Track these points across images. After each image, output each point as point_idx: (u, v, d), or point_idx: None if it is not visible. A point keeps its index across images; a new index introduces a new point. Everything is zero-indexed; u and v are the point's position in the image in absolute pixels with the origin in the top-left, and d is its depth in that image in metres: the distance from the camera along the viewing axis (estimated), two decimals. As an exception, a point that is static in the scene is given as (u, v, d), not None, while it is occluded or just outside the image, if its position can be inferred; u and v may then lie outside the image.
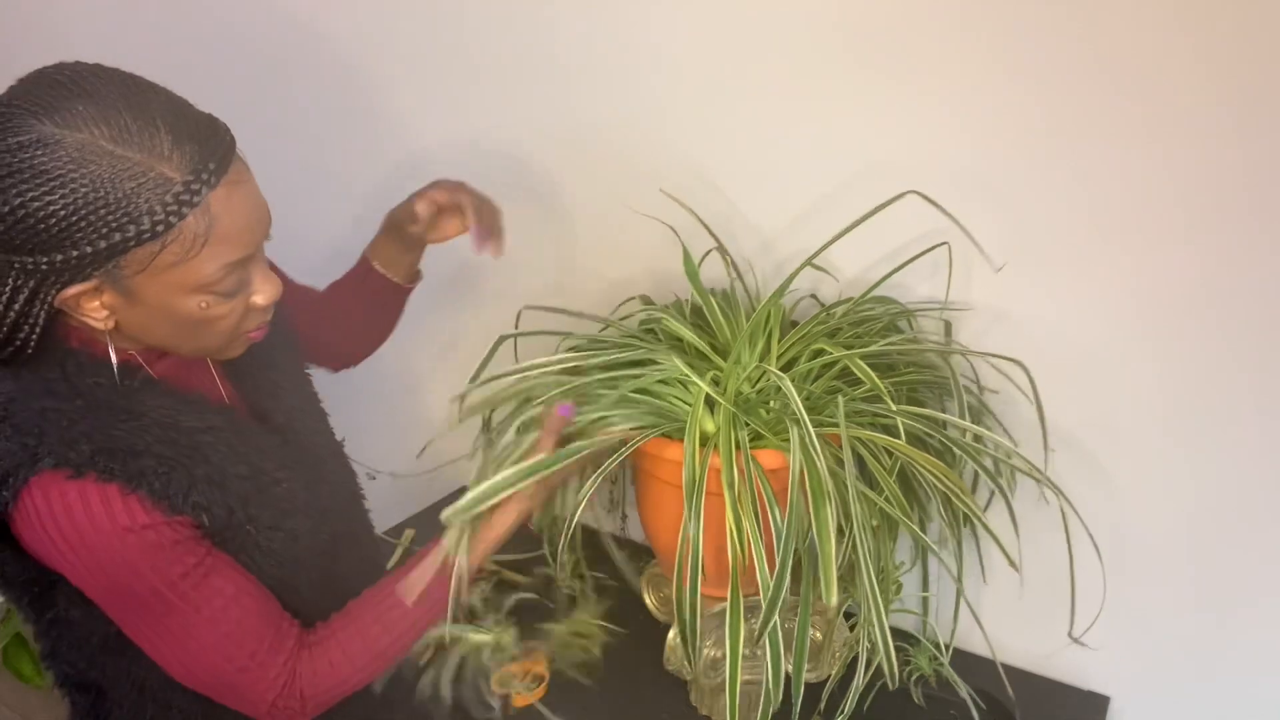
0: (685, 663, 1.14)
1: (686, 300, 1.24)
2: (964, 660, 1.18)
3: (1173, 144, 1.00)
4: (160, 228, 0.75)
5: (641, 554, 1.41)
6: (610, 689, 1.15)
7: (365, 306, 1.19)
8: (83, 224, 0.73)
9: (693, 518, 0.93)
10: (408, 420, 1.75)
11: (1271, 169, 0.96)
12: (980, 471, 1.03)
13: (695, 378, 1.03)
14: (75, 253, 0.74)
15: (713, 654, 1.10)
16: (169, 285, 0.79)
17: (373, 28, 1.45)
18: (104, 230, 0.74)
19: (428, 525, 1.55)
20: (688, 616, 0.91)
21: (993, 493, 1.11)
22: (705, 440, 1.01)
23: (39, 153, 0.72)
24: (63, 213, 0.73)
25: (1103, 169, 1.04)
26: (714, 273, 1.24)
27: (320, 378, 1.15)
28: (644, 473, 1.11)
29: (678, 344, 1.14)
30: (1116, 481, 1.14)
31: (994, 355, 1.09)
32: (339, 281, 1.21)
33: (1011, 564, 1.00)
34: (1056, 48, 1.02)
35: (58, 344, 0.83)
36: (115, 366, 0.84)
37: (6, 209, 0.73)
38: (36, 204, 0.72)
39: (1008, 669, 1.14)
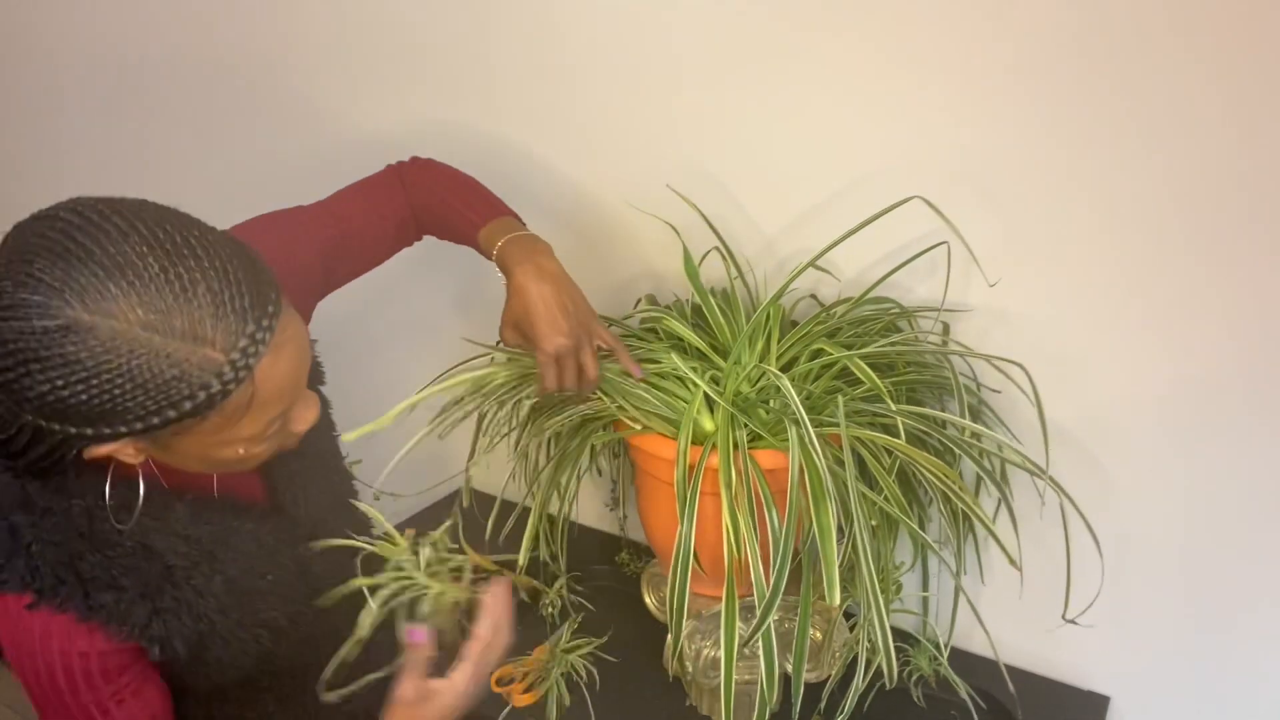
0: (682, 663, 1.14)
1: (687, 300, 1.24)
2: (964, 660, 1.18)
3: (1173, 144, 0.99)
4: (203, 409, 0.70)
5: (642, 553, 1.41)
6: (610, 689, 1.15)
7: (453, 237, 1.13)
8: (118, 409, 0.67)
9: (685, 518, 0.92)
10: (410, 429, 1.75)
11: (1272, 168, 0.96)
12: (980, 471, 1.03)
13: (695, 378, 1.02)
14: (108, 430, 0.69)
15: (712, 654, 1.10)
16: (207, 442, 0.75)
17: (373, 21, 1.45)
18: (141, 414, 0.68)
19: (428, 525, 1.55)
20: (675, 616, 0.91)
21: (998, 501, 1.11)
22: (703, 439, 1.01)
23: (68, 341, 0.65)
24: (95, 403, 0.67)
25: (1103, 169, 1.04)
26: (714, 273, 1.24)
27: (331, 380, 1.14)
28: (643, 472, 1.11)
29: (678, 344, 1.14)
30: (1116, 481, 1.14)
31: (994, 357, 1.09)
32: (449, 208, 1.11)
33: (1012, 562, 0.99)
34: (1058, 48, 1.01)
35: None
36: (100, 480, 0.80)
37: (34, 394, 0.66)
38: (66, 393, 0.66)
39: (1008, 669, 1.14)
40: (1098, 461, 1.14)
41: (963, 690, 1.09)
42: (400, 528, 1.60)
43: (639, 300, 1.33)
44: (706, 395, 1.03)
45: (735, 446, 0.96)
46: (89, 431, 0.69)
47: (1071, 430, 1.14)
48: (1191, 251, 1.02)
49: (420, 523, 1.56)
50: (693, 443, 1.02)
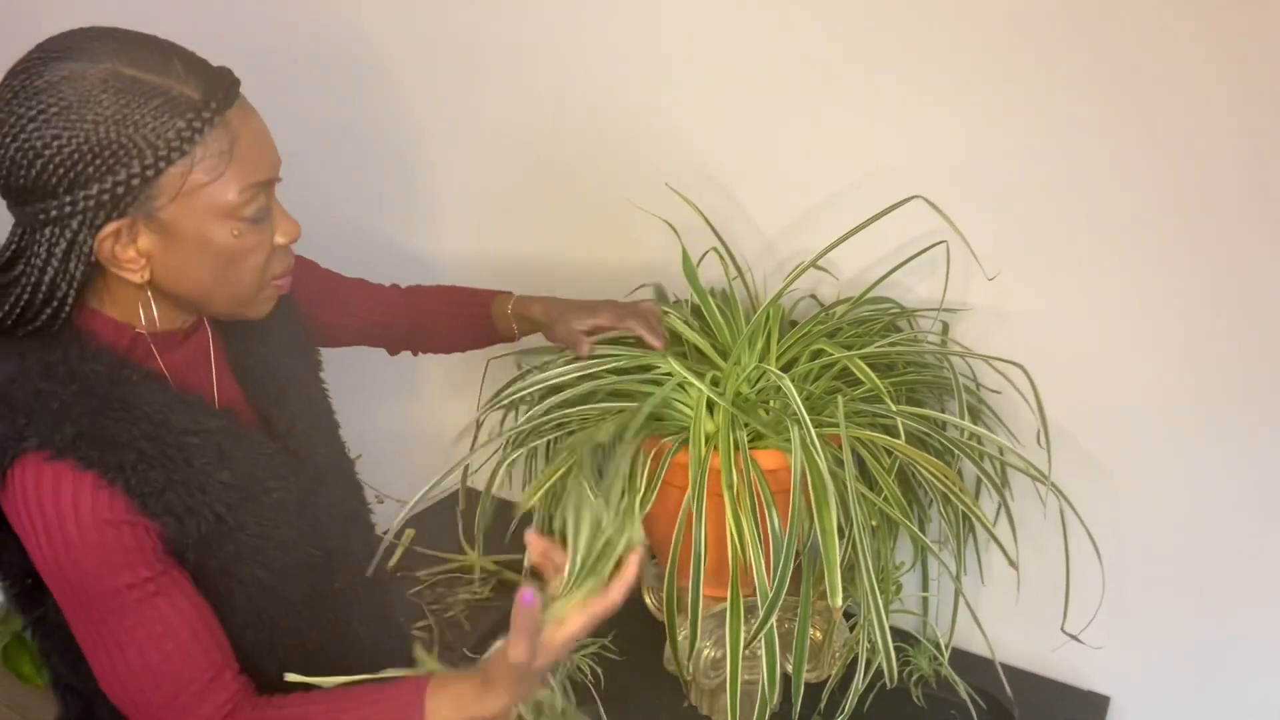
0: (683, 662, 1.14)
1: (685, 300, 1.24)
2: (964, 660, 1.18)
3: (1173, 143, 1.00)
4: (187, 145, 0.78)
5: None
6: (610, 689, 1.15)
7: (460, 330, 1.22)
8: (116, 149, 0.76)
9: (698, 522, 0.92)
10: (414, 432, 1.75)
11: (1272, 168, 0.96)
12: (979, 472, 1.03)
13: (695, 380, 1.02)
14: (113, 180, 0.77)
15: (712, 654, 1.10)
16: (201, 211, 0.81)
17: (372, 17, 1.45)
18: (136, 152, 0.77)
19: (428, 526, 1.55)
20: (667, 616, 0.91)
21: (998, 503, 1.11)
22: (704, 440, 1.01)
23: (65, 89, 0.76)
24: (95, 140, 0.76)
25: (1102, 168, 1.04)
26: (713, 273, 1.24)
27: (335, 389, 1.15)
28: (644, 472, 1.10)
29: (677, 344, 1.14)
30: (1116, 481, 1.14)
31: (994, 358, 1.09)
32: (449, 294, 1.23)
33: (1011, 563, 1.00)
34: (1057, 48, 1.02)
35: (67, 326, 0.84)
36: (115, 352, 0.85)
37: (41, 146, 0.76)
38: (70, 134, 0.75)
39: (1007, 669, 1.14)
40: (1097, 462, 1.14)
41: (962, 690, 1.09)
42: (400, 527, 1.60)
43: (638, 288, 1.32)
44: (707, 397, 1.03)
45: (736, 447, 0.96)
46: (94, 190, 0.77)
47: (1071, 430, 1.14)
48: (1192, 251, 1.02)
49: (421, 522, 1.56)
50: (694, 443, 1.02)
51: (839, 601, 0.86)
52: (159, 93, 0.77)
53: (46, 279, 0.80)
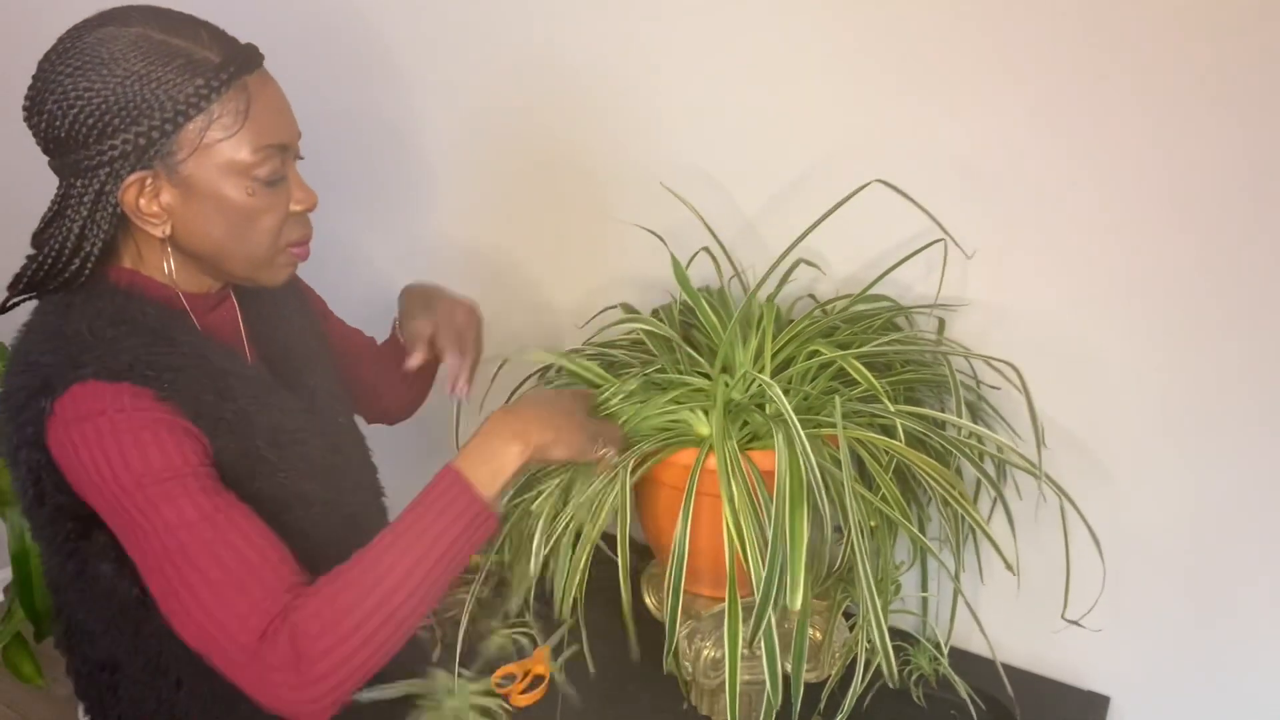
0: (682, 662, 1.14)
1: (679, 300, 1.24)
2: (964, 660, 1.18)
3: (1171, 137, 0.99)
4: (204, 102, 0.85)
5: (644, 553, 1.41)
6: (610, 689, 1.15)
7: (396, 371, 1.22)
8: (140, 102, 0.83)
9: (684, 521, 0.92)
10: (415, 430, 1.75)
11: (1271, 161, 0.96)
12: (978, 472, 1.03)
13: (694, 382, 1.03)
14: (135, 130, 0.84)
15: (712, 654, 1.10)
16: (217, 167, 0.87)
17: (362, 15, 1.45)
18: (158, 105, 0.84)
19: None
20: (668, 619, 0.91)
21: (995, 500, 1.11)
22: (699, 443, 1.01)
23: (100, 48, 0.84)
24: (121, 93, 0.83)
25: (1102, 164, 1.03)
26: (708, 271, 1.24)
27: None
28: (643, 474, 1.10)
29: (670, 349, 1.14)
30: (1116, 480, 1.14)
31: (988, 357, 1.09)
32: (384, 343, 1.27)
33: (1009, 567, 1.00)
34: (1051, 39, 1.01)
35: (105, 282, 0.91)
36: (159, 302, 0.91)
37: (75, 97, 0.83)
38: (100, 85, 0.83)
39: (1007, 669, 1.14)
40: (1097, 460, 1.14)
41: (962, 690, 1.09)
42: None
43: (607, 309, 1.31)
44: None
45: (731, 450, 0.96)
46: (121, 139, 0.84)
47: (1071, 428, 1.14)
48: (1192, 249, 1.02)
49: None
50: (689, 446, 1.02)
51: (797, 605, 0.86)
52: (182, 54, 0.85)
53: (75, 230, 0.87)
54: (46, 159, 0.89)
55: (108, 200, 0.86)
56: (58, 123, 0.84)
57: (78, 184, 0.86)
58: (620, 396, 1.05)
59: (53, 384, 0.84)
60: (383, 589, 0.83)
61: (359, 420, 1.17)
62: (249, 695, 0.83)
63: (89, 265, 0.88)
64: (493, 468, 0.88)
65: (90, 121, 0.84)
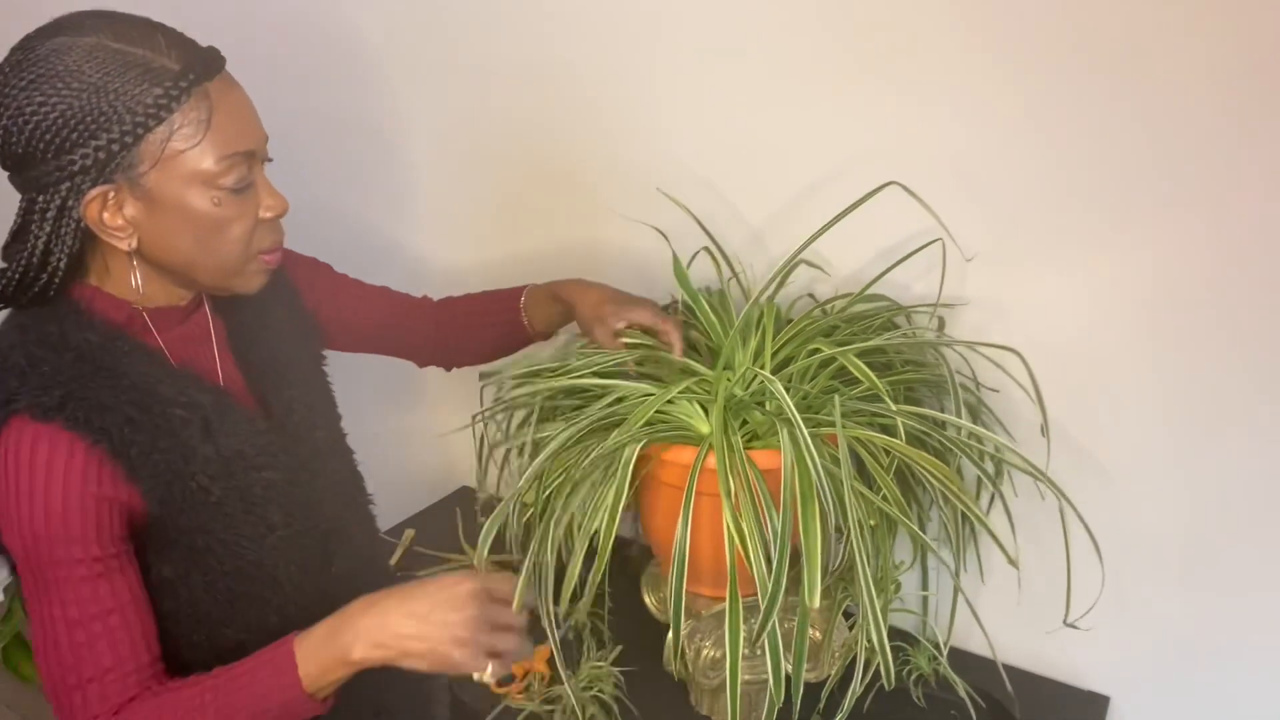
0: (683, 662, 1.14)
1: (677, 302, 1.24)
2: (964, 660, 1.18)
3: (1171, 136, 0.99)
4: (164, 112, 0.83)
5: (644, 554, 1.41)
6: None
7: (494, 335, 1.23)
8: (97, 115, 0.81)
9: (684, 521, 0.92)
10: (412, 425, 1.75)
11: (1272, 161, 0.96)
12: (979, 473, 1.03)
13: (674, 385, 1.03)
14: (94, 144, 0.82)
15: (712, 654, 1.10)
16: (181, 178, 0.85)
17: (360, 20, 1.45)
18: (115, 118, 0.82)
19: (428, 525, 1.55)
20: (671, 617, 0.91)
21: (992, 496, 1.11)
22: (700, 441, 1.01)
23: (53, 59, 0.81)
24: (78, 106, 0.81)
25: (1100, 166, 1.04)
26: (708, 272, 1.24)
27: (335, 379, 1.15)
28: (644, 474, 1.10)
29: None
30: (1115, 479, 1.14)
31: (989, 344, 1.09)
32: (478, 298, 1.25)
33: (1010, 561, 0.99)
34: (1050, 37, 1.01)
35: (64, 300, 0.88)
36: (111, 325, 0.89)
37: (30, 112, 0.81)
38: (56, 99, 0.81)
39: (1007, 669, 1.14)
40: (1097, 460, 1.14)
41: (962, 690, 1.09)
42: (400, 527, 1.60)
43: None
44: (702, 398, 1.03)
45: (731, 448, 0.96)
46: (80, 153, 0.81)
47: (1071, 429, 1.14)
48: (1192, 247, 1.02)
49: (422, 522, 1.57)
50: (689, 443, 1.02)
51: (816, 603, 0.86)
52: (139, 63, 0.82)
53: (40, 245, 0.84)
54: (5, 174, 0.87)
55: (70, 215, 0.84)
56: (14, 139, 0.82)
57: (39, 199, 0.84)
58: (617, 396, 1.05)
59: None
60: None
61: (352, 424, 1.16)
62: None
63: (56, 279, 0.86)
64: (326, 662, 0.84)
65: (48, 137, 0.81)
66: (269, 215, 0.91)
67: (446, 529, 1.52)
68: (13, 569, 0.89)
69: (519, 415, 1.21)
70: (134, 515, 0.87)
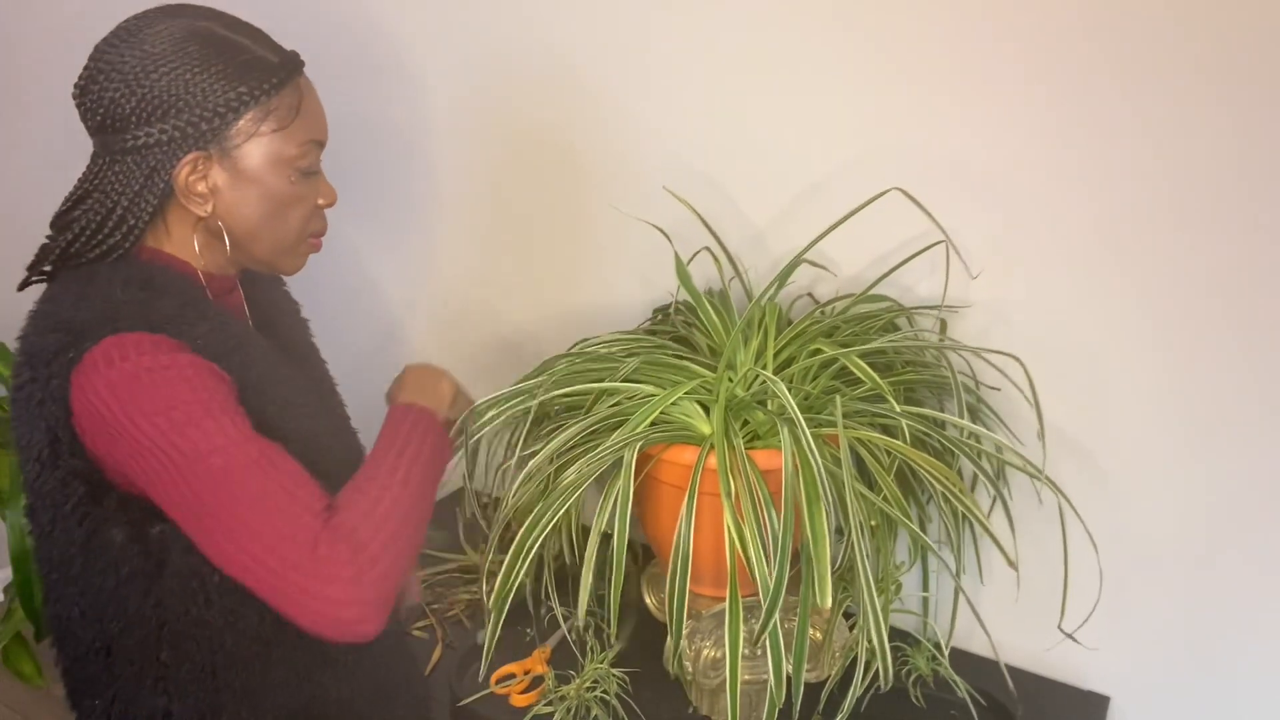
0: (682, 662, 1.14)
1: (674, 301, 1.24)
2: (964, 660, 1.18)
3: (1172, 138, 1.00)
4: (263, 96, 0.93)
5: (644, 553, 1.41)
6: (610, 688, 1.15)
7: None
8: (207, 87, 0.90)
9: (687, 522, 0.92)
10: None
11: (1271, 163, 0.96)
12: (978, 473, 1.03)
13: (683, 384, 1.03)
14: (200, 112, 0.90)
15: (712, 654, 1.10)
16: (267, 154, 0.94)
17: (360, 20, 1.45)
18: (223, 91, 0.91)
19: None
20: (674, 617, 0.91)
21: (994, 498, 1.11)
22: (701, 441, 1.01)
23: (168, 38, 0.91)
24: (189, 77, 0.90)
25: (1103, 166, 1.04)
26: (710, 272, 1.24)
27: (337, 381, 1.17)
28: (643, 474, 1.10)
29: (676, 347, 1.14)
30: (1115, 480, 1.14)
31: (990, 350, 1.09)
32: None
33: (1010, 563, 1.00)
34: (1056, 40, 1.02)
35: (130, 258, 0.95)
36: (180, 275, 0.95)
37: (144, 76, 0.90)
38: (169, 68, 0.90)
39: (1008, 669, 1.14)
40: (1096, 461, 1.14)
41: (962, 690, 1.09)
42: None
43: (655, 312, 1.33)
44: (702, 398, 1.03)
45: (732, 448, 0.96)
46: (185, 119, 0.90)
47: (1071, 429, 1.14)
48: (1191, 247, 1.02)
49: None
50: (690, 444, 1.02)
51: (828, 603, 0.86)
52: (246, 50, 0.93)
53: (122, 204, 0.92)
54: (93, 137, 0.94)
55: (160, 177, 0.91)
56: (121, 103, 0.90)
57: (127, 161, 0.91)
58: (620, 397, 1.05)
59: (86, 337, 0.86)
60: (400, 494, 0.92)
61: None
62: (295, 612, 0.85)
63: (131, 238, 0.93)
64: (436, 398, 1.04)
65: (156, 101, 0.89)
66: (324, 203, 1.02)
67: (446, 529, 1.52)
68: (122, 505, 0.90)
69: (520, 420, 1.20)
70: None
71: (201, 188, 0.93)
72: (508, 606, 0.97)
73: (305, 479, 0.89)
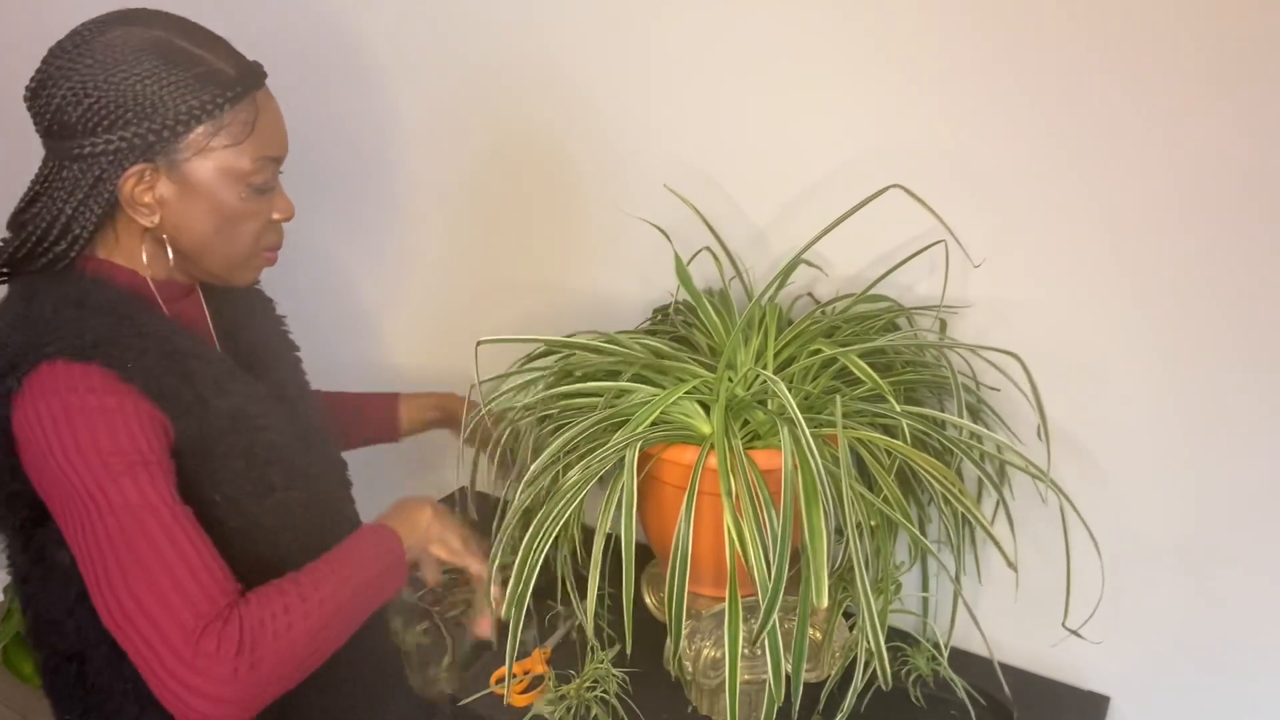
0: (682, 662, 1.14)
1: (674, 301, 1.24)
2: (964, 660, 1.18)
3: (1173, 138, 0.99)
4: (216, 110, 0.90)
5: (644, 553, 1.41)
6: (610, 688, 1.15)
7: (365, 432, 1.32)
8: (156, 100, 0.88)
9: (686, 521, 0.92)
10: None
11: (1272, 160, 0.96)
12: (979, 473, 1.03)
13: (685, 384, 1.02)
14: (148, 125, 0.88)
15: (712, 654, 1.10)
16: (217, 170, 0.92)
17: (359, 21, 1.45)
18: (173, 105, 0.88)
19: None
20: (672, 618, 0.91)
21: (997, 502, 1.11)
22: (701, 441, 1.01)
23: (122, 46, 0.88)
24: (139, 89, 0.87)
25: (1101, 167, 1.03)
26: (710, 272, 1.24)
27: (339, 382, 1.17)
28: (643, 474, 1.10)
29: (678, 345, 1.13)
30: (1115, 480, 1.14)
31: (990, 348, 1.09)
32: (356, 399, 1.32)
33: (1010, 564, 0.99)
34: (1058, 39, 1.01)
35: (74, 270, 0.93)
36: (125, 288, 0.93)
37: (93, 86, 0.87)
38: (117, 80, 0.87)
39: (1007, 669, 1.14)
40: (1097, 461, 1.14)
41: (961, 690, 1.09)
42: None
43: (655, 312, 1.33)
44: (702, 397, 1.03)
45: (732, 448, 0.96)
46: (133, 130, 0.87)
47: (1071, 429, 1.14)
48: (1192, 249, 1.02)
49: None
50: (690, 444, 1.02)
51: (824, 603, 0.86)
52: (202, 62, 0.90)
53: (66, 212, 0.90)
54: (42, 141, 0.92)
55: (105, 187, 0.89)
56: (69, 110, 0.87)
57: (74, 168, 0.89)
58: (617, 394, 1.05)
59: (19, 363, 0.85)
60: (316, 613, 0.89)
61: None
62: (153, 685, 0.83)
63: (75, 248, 0.91)
64: (404, 527, 1.02)
65: (104, 111, 0.87)
66: (279, 217, 0.99)
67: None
68: (35, 521, 0.89)
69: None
70: (169, 442, 0.89)
71: (148, 199, 0.91)
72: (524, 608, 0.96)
73: (213, 563, 0.86)
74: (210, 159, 0.91)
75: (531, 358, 1.17)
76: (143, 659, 0.83)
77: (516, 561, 0.94)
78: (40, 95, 0.89)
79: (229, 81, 0.91)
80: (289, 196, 1.00)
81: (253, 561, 0.94)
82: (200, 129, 0.90)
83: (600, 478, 0.98)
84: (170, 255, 0.95)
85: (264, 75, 0.96)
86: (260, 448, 0.96)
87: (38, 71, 0.90)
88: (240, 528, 0.94)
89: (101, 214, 0.90)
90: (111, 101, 0.87)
